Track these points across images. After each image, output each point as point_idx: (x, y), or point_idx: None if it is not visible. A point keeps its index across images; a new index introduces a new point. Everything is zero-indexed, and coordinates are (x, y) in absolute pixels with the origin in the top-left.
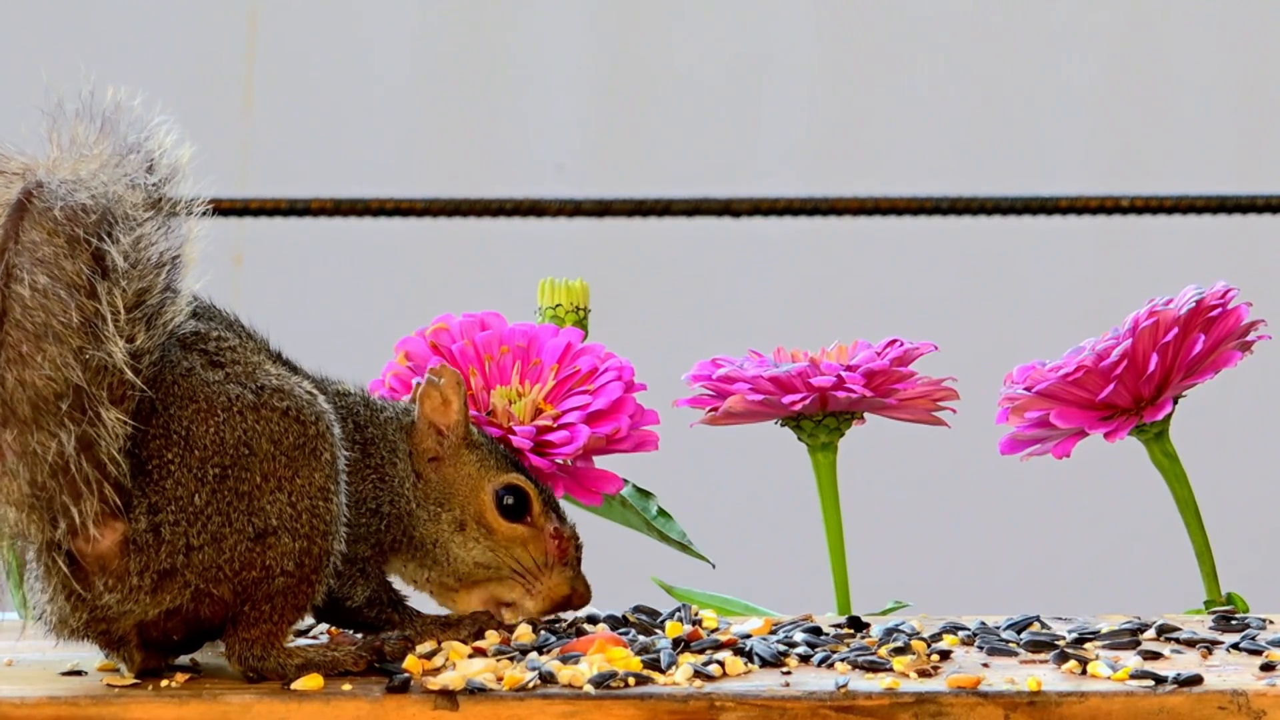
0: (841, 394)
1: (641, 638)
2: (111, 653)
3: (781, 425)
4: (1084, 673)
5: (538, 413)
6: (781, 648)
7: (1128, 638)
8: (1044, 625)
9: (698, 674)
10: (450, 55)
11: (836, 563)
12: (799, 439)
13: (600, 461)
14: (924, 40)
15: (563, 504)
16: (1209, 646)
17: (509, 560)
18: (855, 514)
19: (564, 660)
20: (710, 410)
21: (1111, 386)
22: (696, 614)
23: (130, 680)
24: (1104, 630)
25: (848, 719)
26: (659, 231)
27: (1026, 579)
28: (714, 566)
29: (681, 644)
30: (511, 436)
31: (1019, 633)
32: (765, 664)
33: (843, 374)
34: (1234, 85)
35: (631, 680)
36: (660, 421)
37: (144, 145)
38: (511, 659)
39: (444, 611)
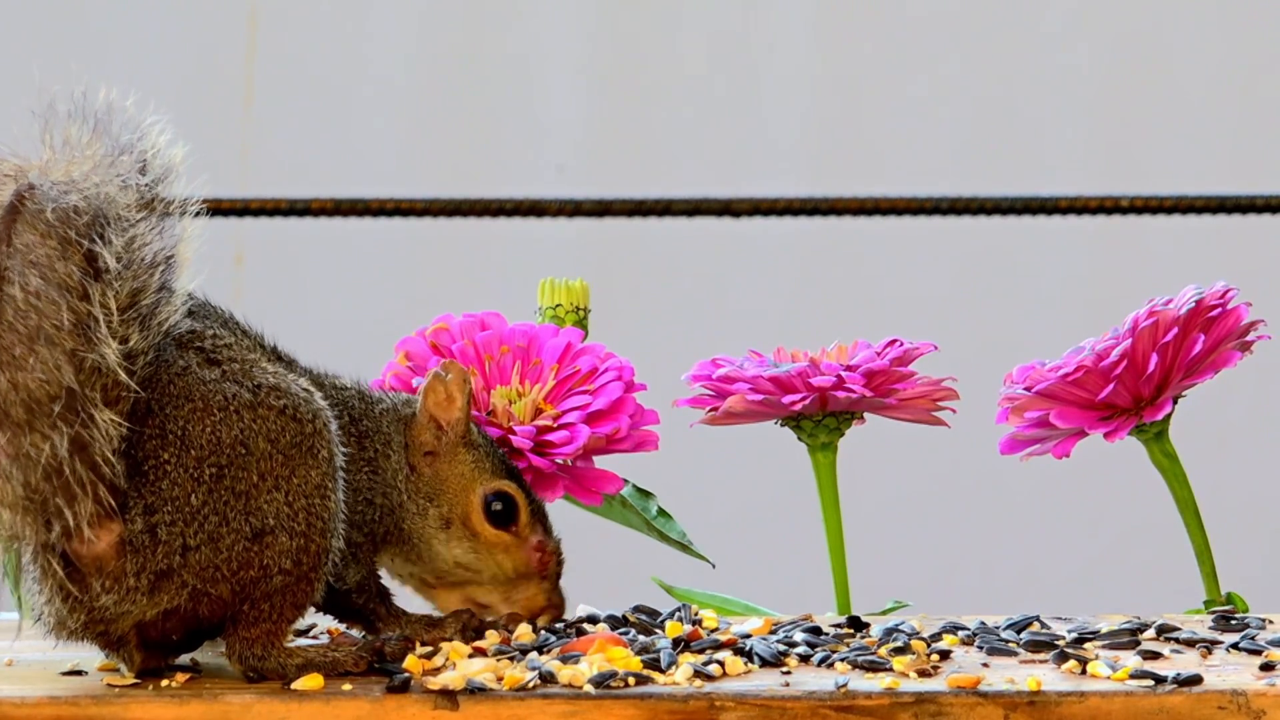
0: (841, 394)
1: (641, 638)
2: (111, 653)
3: (781, 425)
4: (1084, 673)
5: (538, 413)
6: (781, 648)
7: (1127, 638)
8: (1044, 625)
9: (698, 674)
10: (450, 55)
11: (836, 562)
12: (799, 439)
13: (600, 461)
14: (923, 41)
15: (560, 506)
16: (1209, 646)
17: (489, 565)
18: (855, 514)
19: (564, 660)
20: (710, 410)
21: (1111, 386)
22: (696, 614)
23: (130, 680)
24: (1104, 630)
25: (848, 719)
26: (659, 231)
27: (1026, 579)
28: (714, 566)
29: (681, 644)
30: (511, 436)
31: (1019, 633)
32: (765, 664)
33: (843, 374)
34: (1232, 86)
35: (631, 680)
36: (660, 421)
37: (137, 146)
38: (511, 659)
39: (429, 609)
